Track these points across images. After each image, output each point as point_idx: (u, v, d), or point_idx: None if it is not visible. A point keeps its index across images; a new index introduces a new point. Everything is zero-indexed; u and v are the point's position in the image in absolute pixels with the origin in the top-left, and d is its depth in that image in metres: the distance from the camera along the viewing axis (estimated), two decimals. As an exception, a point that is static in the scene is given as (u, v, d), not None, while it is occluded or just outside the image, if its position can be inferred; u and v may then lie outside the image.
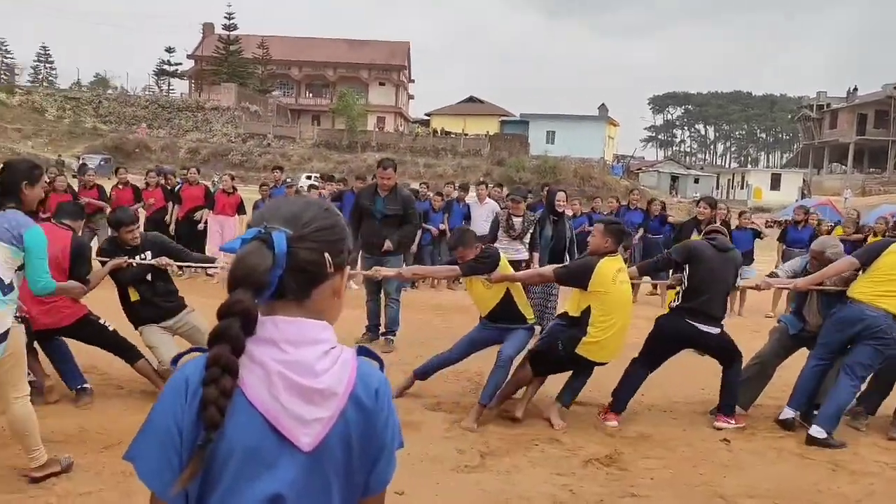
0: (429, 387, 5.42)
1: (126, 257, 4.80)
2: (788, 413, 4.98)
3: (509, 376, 4.87)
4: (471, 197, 11.43)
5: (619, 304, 4.67)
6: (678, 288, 5.06)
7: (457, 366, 5.45)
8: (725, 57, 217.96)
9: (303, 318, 1.17)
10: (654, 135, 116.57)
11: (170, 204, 10.05)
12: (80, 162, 15.21)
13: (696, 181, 52.75)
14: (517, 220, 7.01)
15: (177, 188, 10.39)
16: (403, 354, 6.45)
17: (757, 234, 9.91)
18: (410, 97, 70.41)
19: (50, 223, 4.56)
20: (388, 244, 6.38)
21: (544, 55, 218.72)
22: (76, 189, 9.86)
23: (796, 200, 37.00)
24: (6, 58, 74.14)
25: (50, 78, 74.48)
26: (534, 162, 46.42)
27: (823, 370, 4.96)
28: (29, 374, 4.49)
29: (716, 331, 4.93)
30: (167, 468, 1.10)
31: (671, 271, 5.51)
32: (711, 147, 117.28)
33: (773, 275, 5.62)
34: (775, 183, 49.90)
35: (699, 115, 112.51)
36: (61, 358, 4.81)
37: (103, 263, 4.81)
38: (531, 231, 7.10)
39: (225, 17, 58.52)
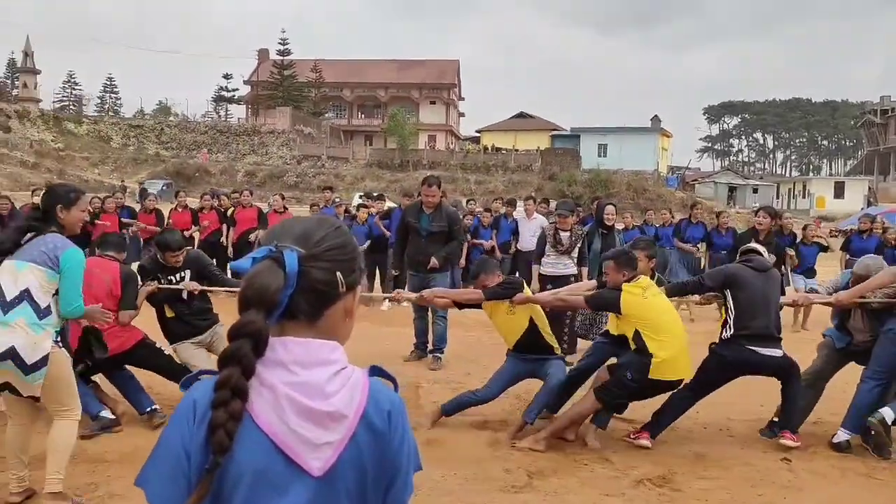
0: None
1: (155, 283, 4.92)
2: (843, 436, 4.70)
3: (569, 409, 4.75)
4: (518, 212, 11.36)
5: (663, 317, 4.55)
6: (724, 316, 4.82)
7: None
8: (781, 65, 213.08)
9: (313, 338, 1.15)
10: (709, 145, 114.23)
11: (224, 226, 10.29)
12: (141, 188, 15.73)
13: (755, 191, 51.43)
14: (564, 235, 6.92)
15: (230, 211, 10.63)
16: (452, 372, 6.44)
17: (823, 249, 9.60)
18: (461, 115, 70.85)
19: (97, 256, 4.77)
20: (433, 261, 6.38)
21: (595, 69, 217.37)
22: (137, 211, 10.26)
23: (862, 209, 35.70)
24: (75, 89, 77.67)
25: (115, 107, 77.67)
26: (586, 176, 46.00)
27: (881, 391, 4.67)
28: (104, 408, 4.64)
29: (779, 353, 4.68)
30: (176, 495, 1.09)
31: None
32: (771, 156, 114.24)
33: (812, 290, 5.42)
34: (839, 191, 48.22)
35: (757, 123, 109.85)
36: (126, 386, 4.90)
37: (143, 278, 4.93)
38: (579, 245, 6.99)
39: (279, 44, 60.14)
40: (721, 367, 4.72)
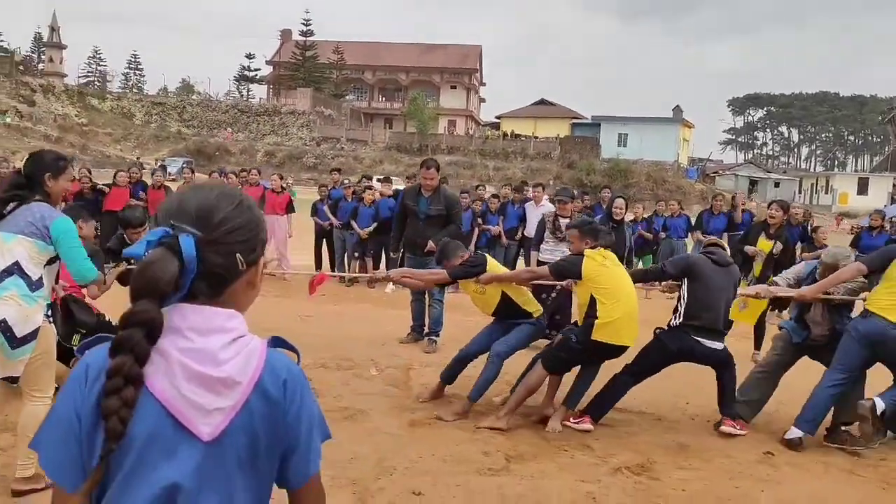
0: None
1: (124, 263, 4.69)
2: (796, 433, 4.62)
3: (524, 383, 4.80)
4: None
5: (618, 285, 4.63)
6: (677, 305, 4.85)
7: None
8: (808, 58, 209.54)
9: (210, 306, 1.15)
10: (733, 137, 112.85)
11: None
12: (159, 164, 15.83)
13: (777, 185, 50.81)
14: (564, 222, 6.88)
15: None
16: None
17: None
18: (482, 100, 70.53)
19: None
20: (430, 244, 6.37)
21: (617, 57, 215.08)
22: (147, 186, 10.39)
23: (885, 205, 35.12)
24: (100, 66, 78.30)
25: (139, 84, 78.21)
26: (605, 165, 45.73)
27: (841, 390, 4.60)
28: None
29: (720, 346, 4.76)
30: (67, 458, 1.11)
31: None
32: (795, 150, 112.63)
33: (773, 283, 5.35)
34: (863, 187, 47.51)
35: (782, 116, 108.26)
36: None
37: (109, 258, 4.87)
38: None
39: (302, 24, 60.18)
40: (663, 353, 4.80)
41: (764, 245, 7.12)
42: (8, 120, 42.61)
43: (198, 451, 1.10)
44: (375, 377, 5.72)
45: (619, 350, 4.68)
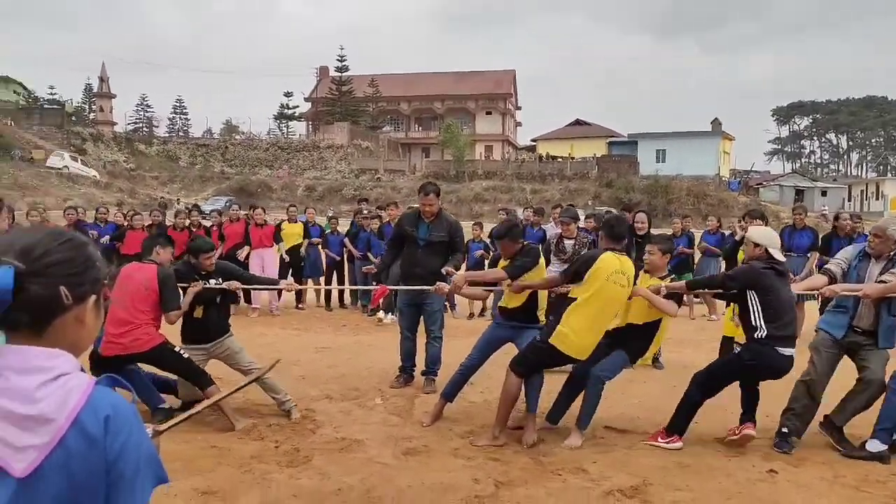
0: (459, 413, 5.39)
1: (201, 283, 5.22)
2: (879, 446, 4.51)
3: (503, 393, 4.81)
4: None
5: (603, 300, 4.60)
6: (751, 319, 4.64)
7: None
8: (852, 63, 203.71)
9: (33, 346, 1.19)
10: (779, 147, 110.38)
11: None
12: (192, 205, 16.17)
13: (824, 193, 49.37)
14: (568, 243, 6.83)
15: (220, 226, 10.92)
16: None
17: None
18: (518, 124, 70.64)
19: (136, 263, 5.21)
20: (448, 268, 5.92)
21: (652, 75, 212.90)
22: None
23: (938, 209, 33.82)
24: (147, 112, 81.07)
25: (185, 127, 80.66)
26: (644, 182, 45.15)
27: None
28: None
29: (793, 352, 4.64)
30: None
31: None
32: (845, 157, 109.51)
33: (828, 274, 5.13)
34: (916, 192, 45.83)
35: (829, 123, 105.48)
36: (138, 384, 5.16)
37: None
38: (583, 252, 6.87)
39: (337, 60, 61.36)
40: (740, 367, 4.71)
41: None
42: (48, 164, 44.24)
43: (9, 488, 1.12)
44: (378, 406, 5.74)
45: (567, 360, 4.76)
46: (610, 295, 4.63)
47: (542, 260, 5.16)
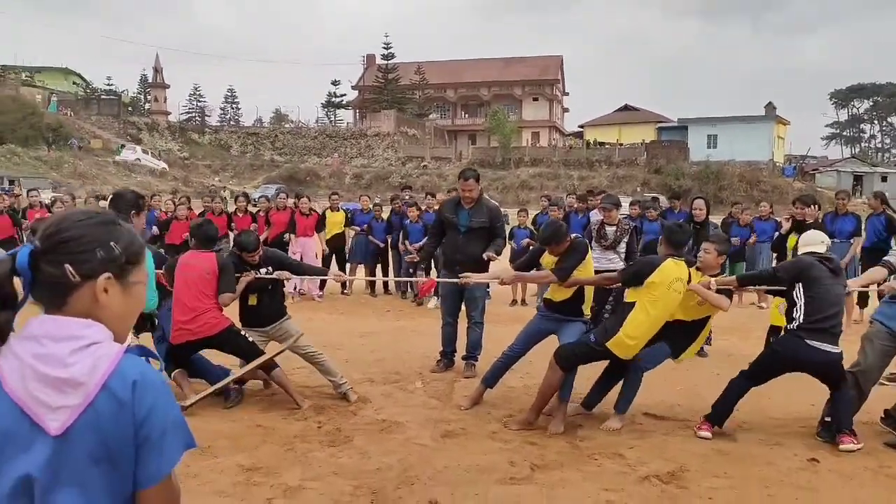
0: (498, 397, 5.45)
1: (253, 273, 5.42)
2: None
3: (544, 381, 4.84)
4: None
5: (662, 308, 4.61)
6: (792, 311, 4.64)
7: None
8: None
9: (66, 316, 1.29)
10: (837, 132, 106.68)
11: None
12: (242, 192, 16.45)
13: (884, 179, 47.60)
14: (610, 230, 6.79)
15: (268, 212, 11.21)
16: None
17: None
18: (565, 110, 69.95)
19: (192, 250, 5.42)
20: (490, 253, 6.10)
21: (703, 58, 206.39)
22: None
23: None
24: (199, 101, 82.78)
25: (236, 117, 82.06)
26: (694, 168, 44.31)
27: None
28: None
29: (836, 350, 4.54)
30: None
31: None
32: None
33: (888, 266, 4.99)
34: (983, 175, 43.86)
35: (891, 106, 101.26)
36: (202, 368, 5.43)
37: None
38: (626, 240, 6.83)
39: (383, 48, 61.64)
40: (776, 360, 4.68)
41: None
42: (118, 157, 45.72)
43: (48, 446, 1.23)
44: (419, 390, 5.83)
45: (618, 359, 4.80)
46: (669, 302, 4.65)
47: (589, 253, 5.16)
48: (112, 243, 1.34)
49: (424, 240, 9.90)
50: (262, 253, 5.58)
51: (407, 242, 10.45)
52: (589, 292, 5.19)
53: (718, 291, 4.80)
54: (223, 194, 23.21)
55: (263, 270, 5.48)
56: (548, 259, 5.20)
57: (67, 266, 1.28)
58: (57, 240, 1.30)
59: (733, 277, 5.14)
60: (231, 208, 11.75)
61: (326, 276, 7.00)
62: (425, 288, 6.10)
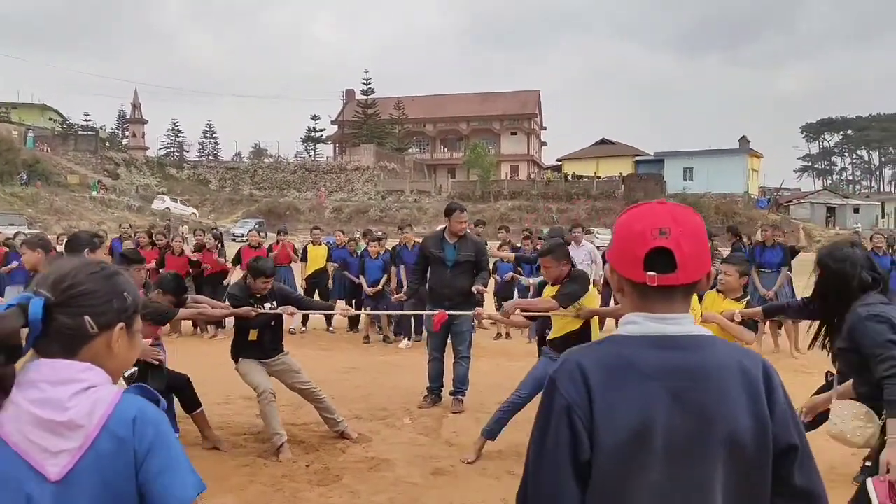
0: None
1: (255, 307, 5.05)
2: None
3: None
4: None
5: None
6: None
7: (518, 417, 5.38)
8: (882, 78, 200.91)
9: (66, 359, 1.27)
10: (809, 164, 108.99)
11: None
12: (213, 230, 16.18)
13: (857, 210, 48.62)
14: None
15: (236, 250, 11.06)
16: (485, 398, 6.33)
17: None
18: (543, 144, 70.83)
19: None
20: (478, 287, 6.04)
21: (679, 93, 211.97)
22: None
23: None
24: (178, 137, 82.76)
25: (215, 152, 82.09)
26: (671, 200, 44.83)
27: None
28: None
29: None
30: None
31: None
32: (878, 173, 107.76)
33: None
34: (951, 207, 44.93)
35: (860, 139, 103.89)
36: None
37: (230, 302, 5.18)
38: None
39: (363, 83, 62.24)
40: None
41: None
42: (95, 193, 45.32)
43: (48, 491, 1.21)
44: (407, 426, 5.77)
45: None
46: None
47: (592, 287, 4.94)
48: (124, 294, 1.36)
49: (384, 278, 9.92)
50: (271, 286, 5.27)
51: (363, 277, 10.19)
52: (595, 330, 4.97)
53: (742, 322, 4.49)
54: (182, 231, 22.71)
55: (268, 305, 5.17)
56: (549, 290, 5.04)
57: (87, 318, 1.29)
58: (74, 293, 1.30)
59: (759, 309, 4.75)
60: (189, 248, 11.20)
61: (333, 311, 6.91)
62: (437, 320, 5.97)
